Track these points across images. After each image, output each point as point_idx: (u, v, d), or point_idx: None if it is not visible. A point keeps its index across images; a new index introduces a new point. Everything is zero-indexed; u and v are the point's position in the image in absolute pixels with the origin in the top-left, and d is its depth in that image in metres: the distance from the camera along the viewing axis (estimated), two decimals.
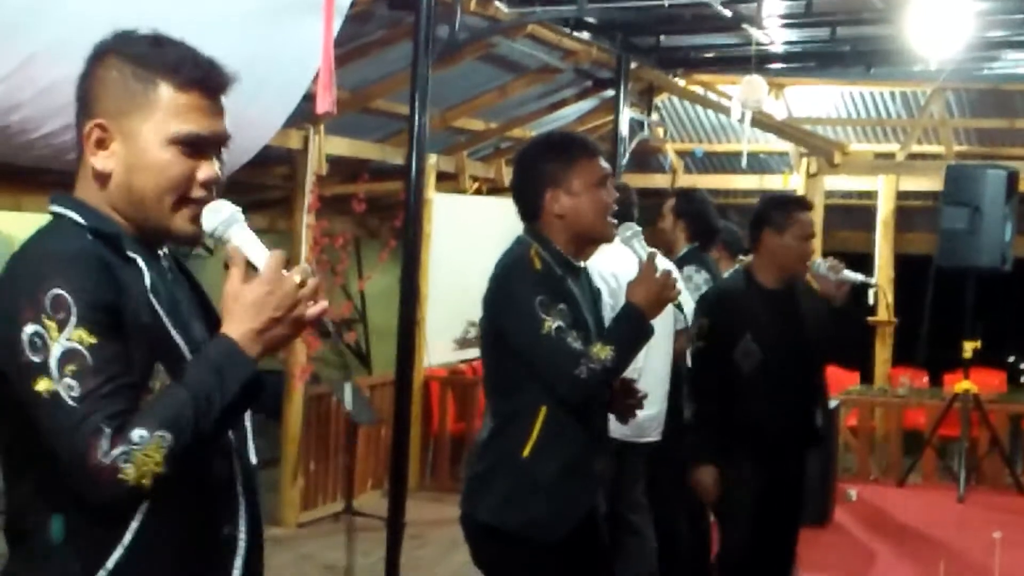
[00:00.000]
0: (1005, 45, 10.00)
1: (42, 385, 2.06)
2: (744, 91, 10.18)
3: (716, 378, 5.38)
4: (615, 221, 4.03)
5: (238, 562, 2.34)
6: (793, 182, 12.50)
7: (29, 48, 5.15)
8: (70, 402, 2.05)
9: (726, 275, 6.72)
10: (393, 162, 9.53)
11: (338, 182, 9.71)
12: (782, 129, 12.12)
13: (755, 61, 10.10)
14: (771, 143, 12.76)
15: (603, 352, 3.75)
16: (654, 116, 12.36)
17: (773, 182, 12.71)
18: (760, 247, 5.45)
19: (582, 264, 4.08)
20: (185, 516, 2.24)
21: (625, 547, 5.93)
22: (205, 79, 2.30)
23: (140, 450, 2.03)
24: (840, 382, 10.77)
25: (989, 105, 12.08)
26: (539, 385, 3.82)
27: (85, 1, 5.00)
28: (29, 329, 2.08)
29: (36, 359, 2.07)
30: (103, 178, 2.28)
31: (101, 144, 2.27)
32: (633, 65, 10.78)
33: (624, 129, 10.88)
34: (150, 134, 2.26)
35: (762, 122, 11.45)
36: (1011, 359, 11.40)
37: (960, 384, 9.72)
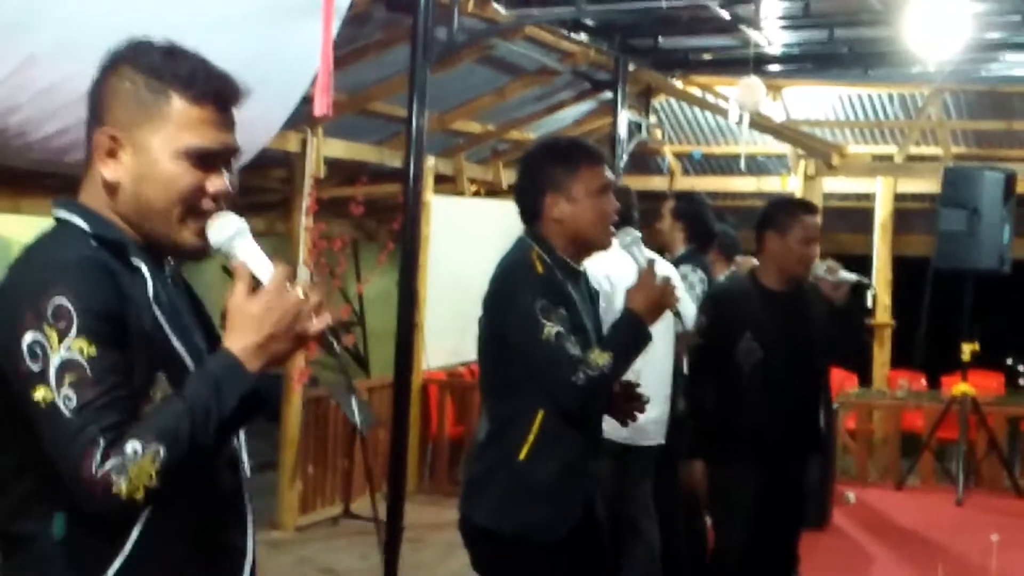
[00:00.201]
0: (1003, 47, 9.99)
1: (40, 394, 2.06)
2: (742, 93, 10.18)
3: (711, 375, 5.43)
4: (614, 229, 4.04)
5: (246, 570, 2.35)
6: (791, 184, 12.50)
7: (28, 50, 5.15)
8: (67, 413, 2.05)
9: (722, 277, 6.75)
10: (391, 164, 9.54)
11: (336, 185, 9.71)
12: (780, 131, 12.11)
13: (753, 63, 10.09)
14: (769, 145, 12.75)
15: (601, 358, 3.75)
16: (652, 118, 12.36)
17: (771, 184, 12.71)
18: (763, 248, 5.47)
19: (581, 268, 4.08)
20: (187, 525, 2.23)
21: (628, 551, 5.93)
22: (217, 92, 2.30)
23: (134, 463, 2.03)
24: (838, 384, 10.76)
25: (987, 107, 12.07)
26: (536, 388, 3.83)
27: (84, 2, 5.00)
28: (29, 337, 2.07)
29: (35, 367, 2.07)
30: (112, 187, 2.28)
31: (111, 153, 2.27)
32: (631, 67, 10.78)
33: (622, 131, 10.88)
34: (161, 146, 2.25)
35: (760, 124, 11.45)
36: (1009, 361, 11.40)
37: (958, 386, 9.71)
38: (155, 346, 2.20)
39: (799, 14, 9.29)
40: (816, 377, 5.65)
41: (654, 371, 5.67)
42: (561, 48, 9.69)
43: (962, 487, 9.37)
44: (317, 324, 2.22)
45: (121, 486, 2.02)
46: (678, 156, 13.56)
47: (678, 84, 11.75)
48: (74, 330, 2.07)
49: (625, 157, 11.05)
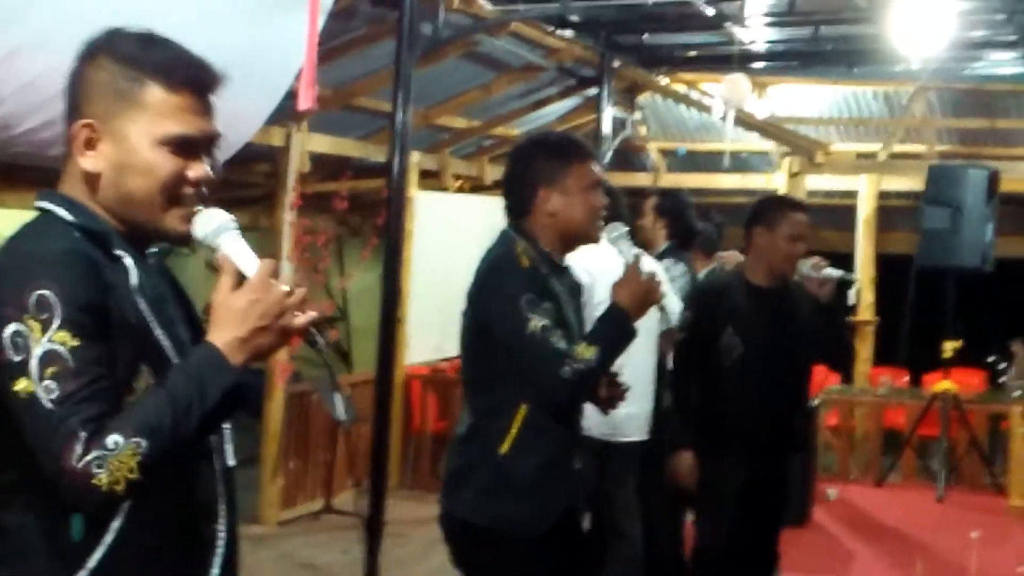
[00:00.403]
0: (987, 45, 10.02)
1: (21, 385, 2.06)
2: (727, 90, 10.20)
3: (695, 368, 5.45)
4: (602, 224, 4.04)
5: (217, 560, 2.34)
6: (775, 181, 12.52)
7: (12, 42, 5.13)
8: (48, 404, 2.05)
9: (702, 274, 6.77)
10: (375, 160, 9.52)
11: (320, 180, 9.70)
12: (765, 128, 12.13)
13: (738, 60, 10.11)
14: (753, 142, 12.77)
15: (587, 352, 3.75)
16: (637, 115, 12.36)
17: (755, 181, 12.72)
18: (751, 245, 5.49)
19: (565, 263, 4.09)
20: (167, 516, 2.24)
21: (609, 548, 5.93)
22: (195, 80, 2.29)
23: (114, 456, 2.03)
24: (820, 381, 10.78)
25: (971, 105, 12.10)
26: (519, 382, 3.82)
27: None
28: (11, 328, 2.07)
29: (16, 358, 2.06)
30: (92, 178, 2.27)
31: (89, 144, 2.26)
32: (616, 63, 10.78)
33: (607, 127, 10.89)
34: (140, 135, 2.25)
35: (745, 121, 11.47)
36: (991, 359, 11.43)
37: (940, 384, 9.75)
38: (138, 337, 2.20)
39: (784, 11, 9.30)
40: (799, 375, 5.66)
41: (634, 366, 5.65)
42: (546, 44, 9.69)
43: (943, 484, 9.40)
44: (301, 319, 2.22)
45: (102, 478, 2.02)
46: (663, 153, 13.57)
47: (663, 81, 11.76)
48: (57, 321, 2.07)
49: (610, 154, 11.06)
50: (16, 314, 2.07)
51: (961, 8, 8.67)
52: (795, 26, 9.92)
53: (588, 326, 4.03)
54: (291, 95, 6.63)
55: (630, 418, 5.63)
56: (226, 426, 2.40)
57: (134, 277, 2.24)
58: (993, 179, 9.65)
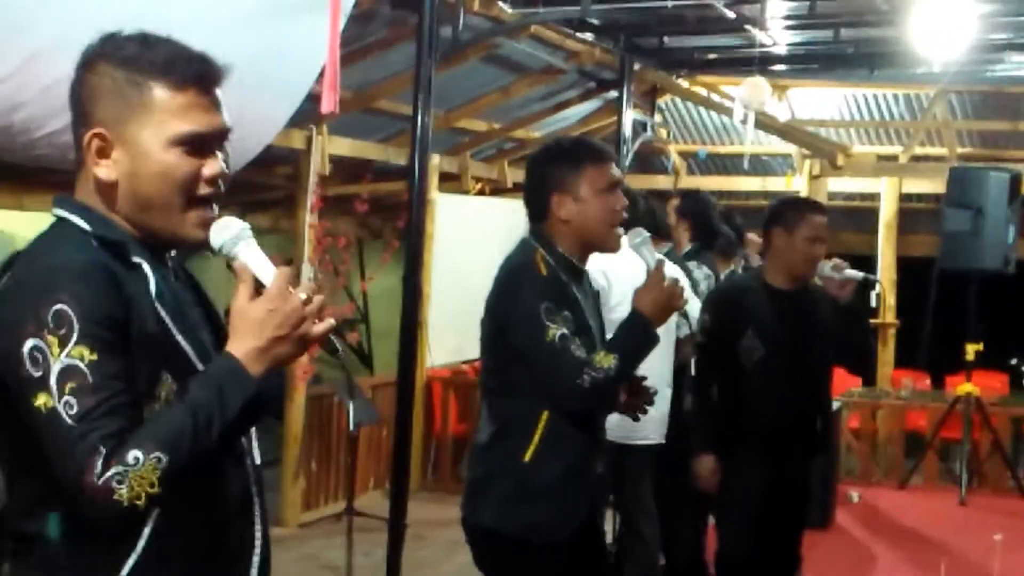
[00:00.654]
0: (1008, 47, 9.99)
1: (41, 400, 2.05)
2: (747, 92, 10.17)
3: (716, 371, 5.42)
4: (622, 230, 4.03)
5: (256, 560, 2.35)
6: (796, 184, 12.49)
7: (32, 46, 5.15)
8: (68, 420, 2.04)
9: (723, 275, 6.76)
10: (396, 162, 9.53)
11: (341, 182, 9.70)
12: (785, 131, 12.10)
13: (758, 63, 10.10)
14: (774, 145, 12.74)
15: (607, 360, 3.74)
16: (657, 117, 12.36)
17: (776, 184, 12.70)
18: (770, 246, 5.45)
19: (584, 268, 4.08)
20: (201, 520, 2.23)
21: (627, 550, 5.93)
22: (199, 75, 2.27)
23: (135, 471, 2.02)
24: (842, 384, 10.74)
25: (992, 107, 12.06)
26: (540, 389, 3.82)
27: None
28: (30, 343, 2.06)
29: (36, 374, 2.06)
30: (108, 187, 2.25)
31: (102, 153, 2.24)
32: (636, 66, 10.78)
33: (627, 130, 10.89)
34: (151, 138, 2.23)
35: (765, 124, 11.44)
36: (1013, 361, 11.37)
37: (962, 386, 9.71)
38: (159, 346, 2.19)
39: (805, 14, 9.29)
40: (819, 377, 5.63)
41: (651, 369, 5.66)
42: (566, 47, 9.69)
43: (965, 487, 9.37)
44: (320, 327, 2.20)
45: (123, 494, 2.01)
46: (683, 155, 13.56)
47: (683, 84, 11.75)
48: (75, 336, 2.06)
49: (630, 156, 11.05)
50: (35, 329, 2.07)
51: (982, 10, 8.64)
52: (816, 28, 9.91)
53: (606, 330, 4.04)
54: (311, 98, 6.65)
55: (646, 420, 5.58)
56: (252, 429, 2.40)
57: (153, 285, 2.23)
58: (1015, 181, 9.61)
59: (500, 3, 8.30)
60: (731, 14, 8.80)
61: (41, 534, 2.18)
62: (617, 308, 5.23)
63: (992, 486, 9.99)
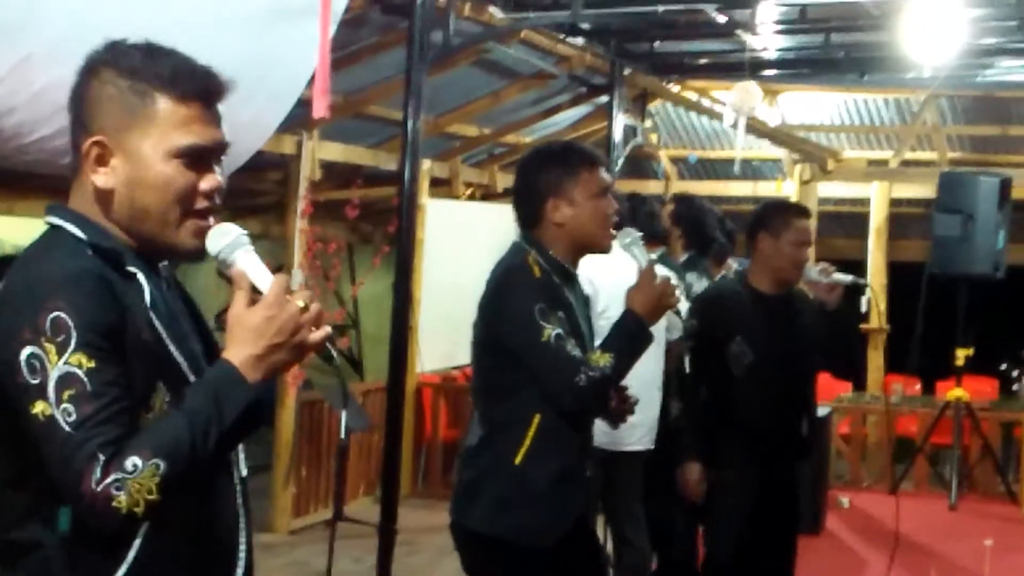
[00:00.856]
0: (998, 52, 9.99)
1: (39, 408, 2.05)
2: (738, 97, 10.19)
3: (703, 378, 5.40)
4: (614, 232, 4.04)
5: (239, 572, 2.35)
6: (786, 189, 12.51)
7: (24, 50, 5.14)
8: (66, 428, 2.04)
9: (717, 279, 6.75)
10: (386, 167, 9.53)
11: (331, 187, 9.70)
12: (775, 136, 12.12)
13: (749, 67, 10.10)
14: (764, 150, 12.75)
15: (602, 360, 3.76)
16: (648, 122, 12.35)
17: (766, 189, 12.72)
18: (755, 251, 5.44)
19: (575, 271, 4.08)
20: (189, 531, 2.23)
21: (617, 559, 5.92)
22: (203, 89, 2.27)
23: (133, 479, 2.02)
24: (832, 389, 10.76)
25: (982, 112, 12.08)
26: (533, 392, 3.82)
27: (80, 3, 4.99)
28: (27, 351, 2.06)
29: (34, 381, 2.06)
30: (105, 195, 2.25)
31: (101, 160, 2.24)
32: (627, 71, 10.77)
33: (618, 135, 10.87)
34: (152, 149, 2.23)
35: (755, 128, 11.45)
36: (1003, 367, 11.39)
37: (952, 392, 9.73)
38: (154, 354, 2.19)
39: (795, 19, 9.29)
40: (806, 382, 5.62)
41: (639, 375, 5.66)
42: (557, 52, 9.68)
43: (956, 492, 9.39)
44: (317, 334, 2.21)
45: (122, 500, 2.01)
46: (674, 160, 13.56)
47: (674, 88, 11.75)
48: (72, 344, 2.06)
49: (620, 161, 11.05)
50: (32, 337, 2.06)
51: (973, 15, 8.64)
52: (806, 33, 9.90)
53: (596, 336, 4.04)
54: (302, 103, 6.64)
55: (634, 427, 5.57)
56: None
57: (148, 294, 2.22)
58: (1005, 186, 9.64)
59: (491, 8, 8.29)
60: (722, 19, 8.79)
61: (33, 541, 2.17)
62: (603, 315, 5.24)
63: (982, 491, 10.00)
